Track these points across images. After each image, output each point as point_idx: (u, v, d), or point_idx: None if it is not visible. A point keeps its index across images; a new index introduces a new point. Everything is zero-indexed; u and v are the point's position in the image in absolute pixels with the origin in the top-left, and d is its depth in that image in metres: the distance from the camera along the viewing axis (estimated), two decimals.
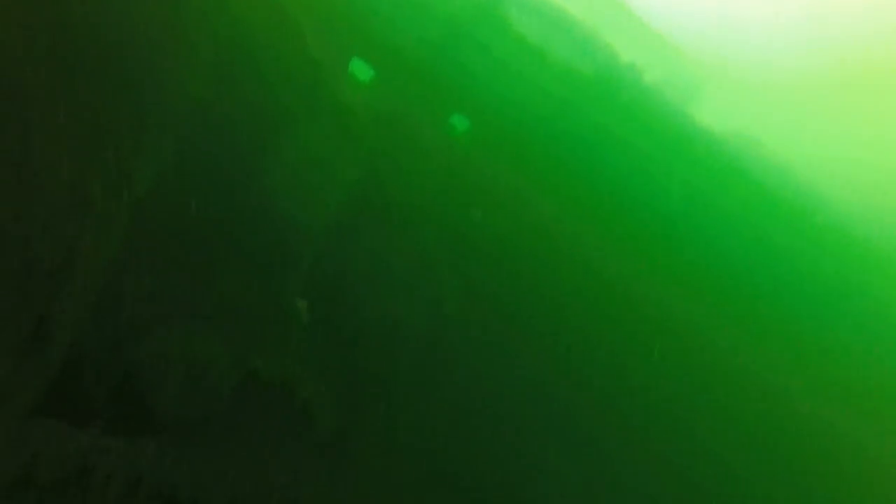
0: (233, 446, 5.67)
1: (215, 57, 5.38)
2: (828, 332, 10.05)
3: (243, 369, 5.74)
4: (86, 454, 4.61)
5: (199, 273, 5.49)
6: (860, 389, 10.09)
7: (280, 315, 5.97)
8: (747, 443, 8.93)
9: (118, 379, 4.98)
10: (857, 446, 9.80)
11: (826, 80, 16.16)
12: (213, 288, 5.59)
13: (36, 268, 4.11)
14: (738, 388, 9.04)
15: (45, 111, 4.07)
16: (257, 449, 5.73)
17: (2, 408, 4.16)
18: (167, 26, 4.95)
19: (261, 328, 5.93)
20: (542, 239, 7.71)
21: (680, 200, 9.07)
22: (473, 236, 7.32)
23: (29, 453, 4.42)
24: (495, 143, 7.61)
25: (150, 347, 5.19)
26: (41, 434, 4.47)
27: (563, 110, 8.12)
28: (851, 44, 16.67)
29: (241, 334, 5.81)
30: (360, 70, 6.94)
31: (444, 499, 6.47)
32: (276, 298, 5.82)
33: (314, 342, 6.16)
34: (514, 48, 7.88)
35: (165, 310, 5.30)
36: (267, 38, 5.95)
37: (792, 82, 15.87)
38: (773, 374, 9.31)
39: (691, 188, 9.25)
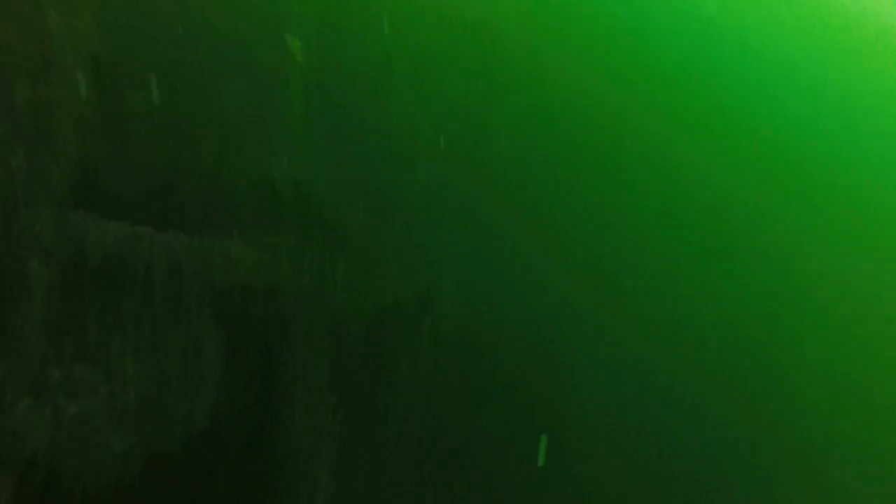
0: (253, 238, 5.87)
1: None
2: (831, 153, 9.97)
3: (258, 172, 5.86)
4: (122, 243, 4.74)
5: (197, 79, 5.53)
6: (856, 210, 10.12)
7: (287, 118, 6.05)
8: (745, 287, 9.02)
9: (139, 181, 5.06)
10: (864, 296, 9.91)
11: None
12: (212, 89, 5.65)
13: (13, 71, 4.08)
14: (740, 232, 9.05)
15: None
16: (283, 241, 5.93)
17: (34, 197, 4.23)
18: None
19: (269, 128, 6.05)
20: (538, 64, 7.74)
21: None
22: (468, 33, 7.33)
23: (73, 244, 4.54)
24: None
25: (163, 153, 5.27)
26: (78, 225, 4.59)
27: None
28: None
29: (250, 135, 5.93)
30: None
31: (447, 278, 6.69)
32: (278, 88, 5.86)
33: (319, 144, 6.29)
34: None
35: (172, 120, 5.37)
36: None
37: None
38: (770, 203, 9.31)
39: None
